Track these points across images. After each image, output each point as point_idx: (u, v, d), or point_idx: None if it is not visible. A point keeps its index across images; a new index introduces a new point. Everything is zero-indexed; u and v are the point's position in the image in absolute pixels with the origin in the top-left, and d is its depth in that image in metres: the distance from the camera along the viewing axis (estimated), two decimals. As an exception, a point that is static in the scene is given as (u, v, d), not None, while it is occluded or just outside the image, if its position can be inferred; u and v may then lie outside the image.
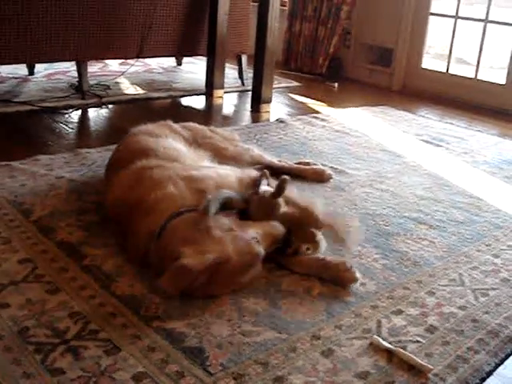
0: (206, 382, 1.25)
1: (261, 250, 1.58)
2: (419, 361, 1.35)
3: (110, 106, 3.61)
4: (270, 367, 1.31)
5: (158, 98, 3.90)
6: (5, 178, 2.27)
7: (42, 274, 1.62)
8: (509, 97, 4.23)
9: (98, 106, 3.56)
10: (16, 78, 4.06)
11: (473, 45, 4.65)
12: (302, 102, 4.14)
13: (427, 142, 3.34)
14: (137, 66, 4.59)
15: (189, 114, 3.63)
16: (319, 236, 1.77)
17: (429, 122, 3.84)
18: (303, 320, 1.50)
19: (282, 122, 3.48)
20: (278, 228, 1.68)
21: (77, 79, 3.77)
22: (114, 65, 4.70)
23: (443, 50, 5.19)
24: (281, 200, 1.76)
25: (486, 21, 4.39)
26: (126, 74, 4.27)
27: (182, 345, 1.36)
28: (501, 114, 4.19)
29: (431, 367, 1.33)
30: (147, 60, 4.78)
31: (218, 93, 4.08)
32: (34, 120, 3.20)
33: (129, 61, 4.39)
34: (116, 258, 1.72)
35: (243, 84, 4.40)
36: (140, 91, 3.99)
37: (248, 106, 3.84)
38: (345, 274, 1.68)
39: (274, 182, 1.83)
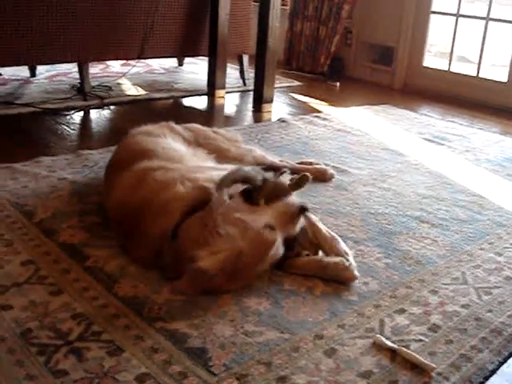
0: (210, 383, 1.25)
1: (274, 236, 1.58)
2: (422, 360, 1.35)
3: (112, 107, 3.61)
4: (273, 367, 1.31)
5: (160, 99, 3.91)
6: (7, 180, 2.27)
7: (44, 275, 1.62)
8: (511, 94, 4.23)
9: (100, 107, 3.56)
10: (18, 79, 4.07)
11: (474, 43, 4.64)
12: (303, 102, 4.14)
13: (429, 140, 3.33)
14: (138, 66, 4.59)
15: (191, 115, 3.63)
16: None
17: (431, 120, 3.83)
18: (306, 320, 1.50)
19: (283, 121, 3.48)
20: (292, 205, 1.69)
21: (78, 80, 3.78)
22: (115, 66, 4.70)
23: (445, 48, 5.18)
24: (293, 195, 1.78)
25: (487, 18, 4.38)
26: (127, 75, 4.28)
27: (184, 345, 1.36)
28: (503, 112, 4.18)
29: (434, 366, 1.33)
30: (149, 61, 4.78)
31: (219, 93, 4.08)
32: (36, 122, 3.20)
33: (130, 62, 4.38)
34: (119, 259, 1.72)
35: (245, 84, 4.40)
36: (142, 92, 3.99)
37: (250, 105, 3.84)
38: (343, 273, 1.68)
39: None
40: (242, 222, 1.58)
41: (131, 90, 4.05)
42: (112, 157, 2.15)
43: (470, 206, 2.36)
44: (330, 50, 5.06)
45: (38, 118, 3.26)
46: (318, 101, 4.18)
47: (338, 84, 4.81)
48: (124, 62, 4.60)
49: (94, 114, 3.46)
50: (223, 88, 4.10)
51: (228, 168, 1.98)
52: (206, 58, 4.14)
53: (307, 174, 1.83)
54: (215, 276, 1.49)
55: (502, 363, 1.40)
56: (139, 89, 4.08)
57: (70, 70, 4.33)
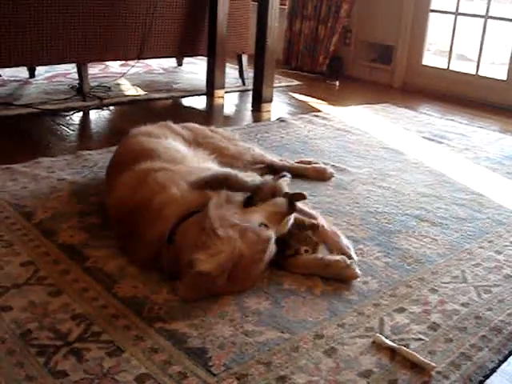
0: (209, 383, 1.25)
1: (269, 233, 1.58)
2: (422, 359, 1.35)
3: (111, 107, 3.61)
4: (273, 367, 1.31)
5: (159, 99, 3.91)
6: (6, 181, 2.27)
7: (44, 276, 1.62)
8: (510, 93, 4.23)
9: (99, 107, 3.56)
10: (17, 80, 4.07)
11: (474, 41, 4.64)
12: (302, 101, 4.14)
13: (429, 139, 3.33)
14: (137, 67, 4.59)
15: (190, 115, 3.63)
16: (317, 239, 1.78)
17: (430, 118, 3.83)
18: (306, 319, 1.50)
19: (283, 121, 3.47)
20: (282, 203, 1.68)
21: (77, 81, 3.78)
22: (114, 66, 4.70)
23: (444, 46, 5.18)
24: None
25: (486, 17, 4.38)
26: (126, 76, 4.28)
27: (184, 346, 1.36)
28: (502, 110, 4.18)
29: (434, 365, 1.33)
30: (148, 61, 4.79)
31: (218, 93, 4.08)
32: (35, 122, 3.20)
33: (129, 62, 4.39)
34: (118, 260, 1.72)
35: (244, 84, 4.40)
36: (141, 92, 3.99)
37: (249, 105, 3.84)
38: (345, 271, 1.68)
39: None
40: (238, 223, 1.57)
41: (130, 90, 4.05)
42: (113, 157, 2.15)
43: (470, 205, 2.35)
44: (329, 50, 5.07)
45: (38, 119, 3.26)
46: (317, 100, 4.18)
47: (337, 83, 4.81)
48: (123, 62, 4.59)
49: (93, 114, 3.46)
50: (222, 88, 4.10)
51: (228, 170, 1.98)
52: (205, 58, 4.14)
53: (305, 193, 1.78)
54: (216, 278, 1.48)
55: (501, 362, 1.40)
56: (138, 89, 4.08)
57: (69, 70, 4.33)
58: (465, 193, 2.49)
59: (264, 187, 1.73)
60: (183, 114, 3.62)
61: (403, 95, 4.58)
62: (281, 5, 3.68)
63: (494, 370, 1.37)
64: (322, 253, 1.77)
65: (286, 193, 1.74)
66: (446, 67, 4.66)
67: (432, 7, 4.66)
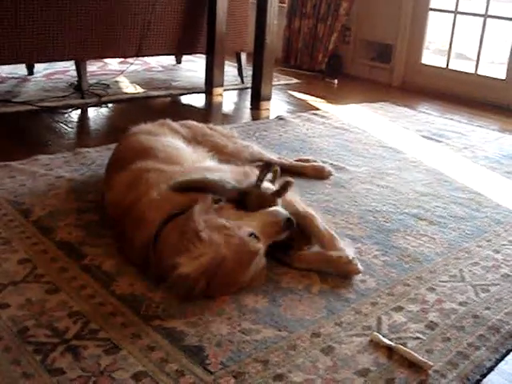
0: (206, 381, 1.25)
1: (258, 245, 1.55)
2: (420, 357, 1.35)
3: (110, 105, 3.60)
4: (270, 365, 1.31)
5: (158, 97, 3.90)
6: (4, 178, 2.27)
7: (41, 273, 1.62)
8: (509, 92, 4.22)
9: (98, 105, 3.55)
10: (15, 77, 4.06)
11: (473, 40, 4.64)
12: (301, 99, 4.14)
13: (427, 137, 3.33)
14: (136, 64, 4.58)
15: (188, 112, 3.62)
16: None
17: (429, 117, 3.83)
18: (303, 317, 1.50)
19: (281, 119, 3.47)
20: (279, 214, 1.65)
21: (76, 78, 3.77)
22: (113, 64, 4.69)
23: (443, 45, 5.18)
24: (279, 200, 1.75)
25: (485, 15, 4.37)
26: (125, 73, 4.27)
27: (181, 343, 1.36)
28: (501, 109, 4.18)
29: (431, 364, 1.33)
30: (146, 58, 4.78)
31: (217, 91, 4.07)
32: (34, 120, 3.20)
33: (128, 59, 4.39)
34: (115, 258, 1.72)
35: (243, 82, 4.39)
36: (140, 90, 3.99)
37: (248, 103, 3.84)
38: (347, 266, 1.68)
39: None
40: (225, 228, 1.53)
41: (129, 87, 4.04)
42: (112, 155, 2.15)
43: (468, 204, 2.35)
44: (328, 48, 5.06)
45: (36, 117, 3.25)
46: (316, 98, 4.18)
47: (336, 81, 4.80)
48: (122, 59, 4.59)
49: (91, 112, 3.46)
50: (221, 86, 4.10)
51: (224, 168, 1.98)
52: (204, 56, 4.14)
53: (290, 179, 1.76)
54: (195, 282, 1.44)
55: (499, 361, 1.40)
56: (137, 87, 4.07)
57: (68, 67, 4.32)
58: (463, 192, 2.49)
59: (250, 194, 1.69)
60: (182, 112, 3.61)
61: (402, 94, 4.58)
62: (280, 3, 3.69)
63: (491, 369, 1.37)
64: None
65: (274, 192, 1.73)
66: (445, 66, 4.66)
67: (431, 6, 4.65)
